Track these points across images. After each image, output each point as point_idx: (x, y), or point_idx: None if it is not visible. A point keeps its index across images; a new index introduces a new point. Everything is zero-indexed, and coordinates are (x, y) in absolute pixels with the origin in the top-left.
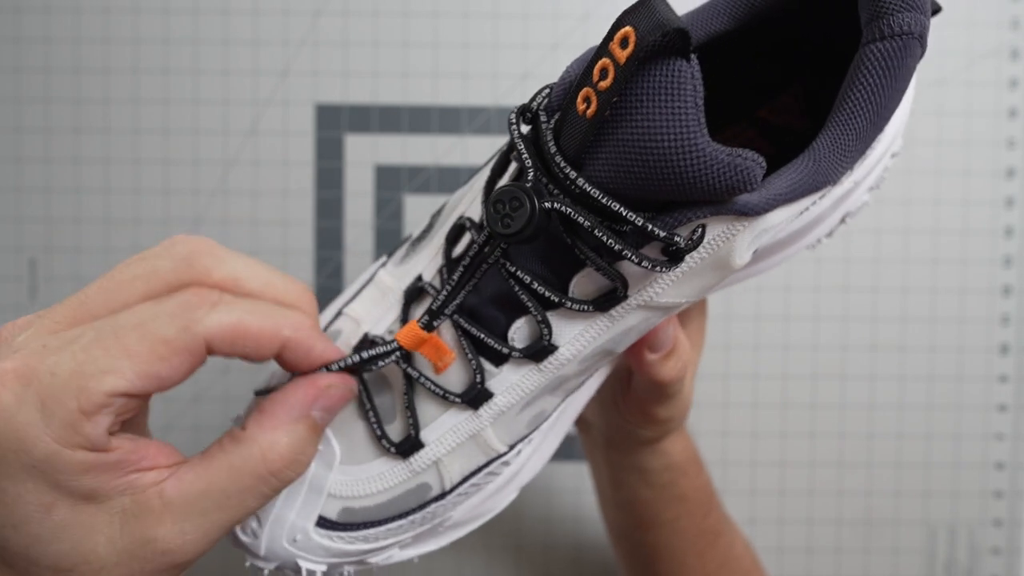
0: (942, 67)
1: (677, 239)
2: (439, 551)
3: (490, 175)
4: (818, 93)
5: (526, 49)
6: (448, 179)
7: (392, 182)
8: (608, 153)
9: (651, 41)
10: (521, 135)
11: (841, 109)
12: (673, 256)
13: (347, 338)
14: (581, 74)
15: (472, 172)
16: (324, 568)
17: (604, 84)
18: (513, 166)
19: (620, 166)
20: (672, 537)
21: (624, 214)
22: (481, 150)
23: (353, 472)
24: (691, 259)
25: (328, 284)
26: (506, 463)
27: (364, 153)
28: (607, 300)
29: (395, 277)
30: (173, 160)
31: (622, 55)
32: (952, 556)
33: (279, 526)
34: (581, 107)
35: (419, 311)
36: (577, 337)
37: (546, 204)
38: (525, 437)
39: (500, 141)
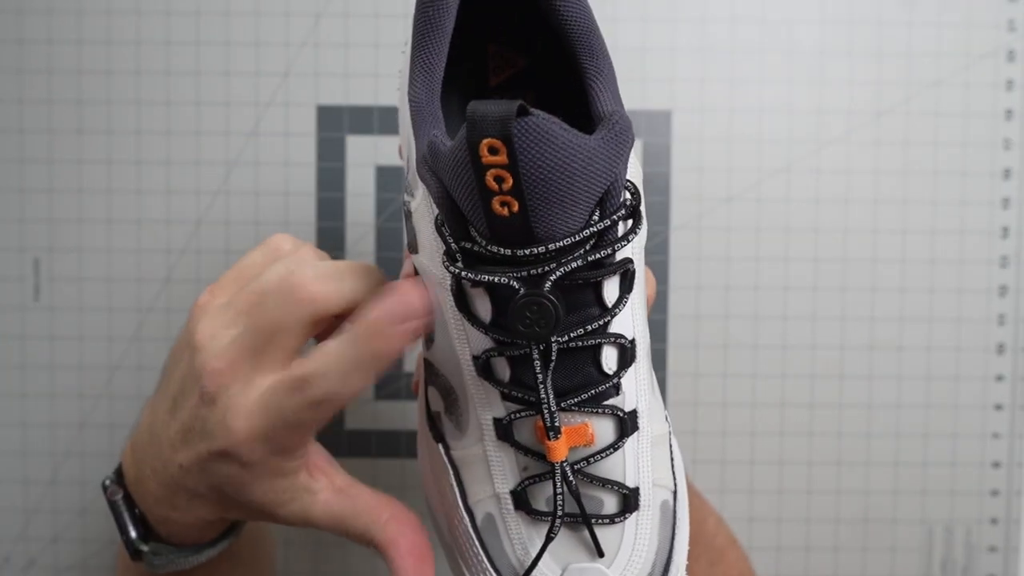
0: (939, 68)
1: (628, 203)
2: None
3: (467, 318)
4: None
5: None
6: None
7: (393, 183)
8: (548, 215)
9: (512, 134)
10: (473, 276)
11: (569, 36)
12: (634, 214)
13: (502, 512)
14: (449, 196)
15: None
16: None
17: (508, 185)
18: (479, 294)
19: (564, 213)
20: None
21: (593, 231)
22: None
23: (620, 563)
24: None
25: None
26: (672, 432)
27: (365, 154)
28: (627, 283)
29: (471, 443)
30: (175, 161)
31: (502, 158)
32: (949, 554)
33: None
34: (503, 212)
35: (524, 429)
36: (635, 317)
37: (547, 286)
38: (663, 407)
39: None
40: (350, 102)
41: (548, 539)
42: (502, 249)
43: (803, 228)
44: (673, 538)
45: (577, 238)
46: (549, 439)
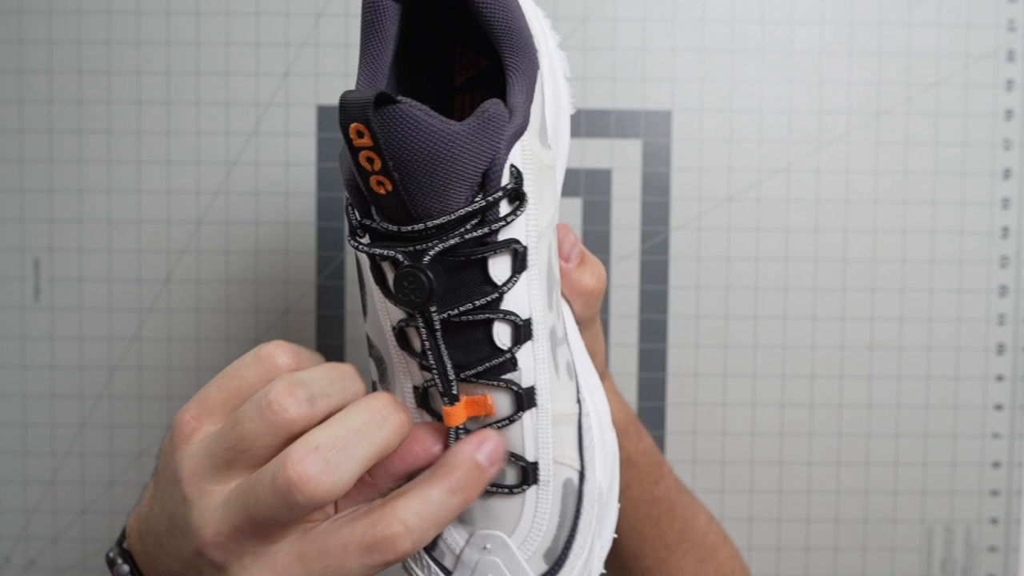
0: (939, 68)
1: (508, 185)
2: None
3: (381, 291)
4: (475, 35)
5: None
6: None
7: None
8: (420, 194)
9: (370, 118)
10: (367, 249)
11: (492, 34)
12: (518, 196)
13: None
14: (354, 179)
15: None
16: None
17: (378, 166)
18: (388, 273)
19: (436, 192)
20: (626, 507)
21: (469, 210)
22: None
23: (520, 533)
24: (528, 185)
25: (329, 284)
26: (587, 413)
27: None
28: (520, 260)
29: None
30: (175, 161)
31: (368, 141)
32: (949, 554)
33: None
34: (381, 190)
35: (438, 402)
36: (532, 297)
37: (425, 260)
38: (577, 387)
39: None
40: None
41: None
42: (389, 225)
43: (803, 228)
44: (577, 516)
45: (453, 216)
46: (444, 404)
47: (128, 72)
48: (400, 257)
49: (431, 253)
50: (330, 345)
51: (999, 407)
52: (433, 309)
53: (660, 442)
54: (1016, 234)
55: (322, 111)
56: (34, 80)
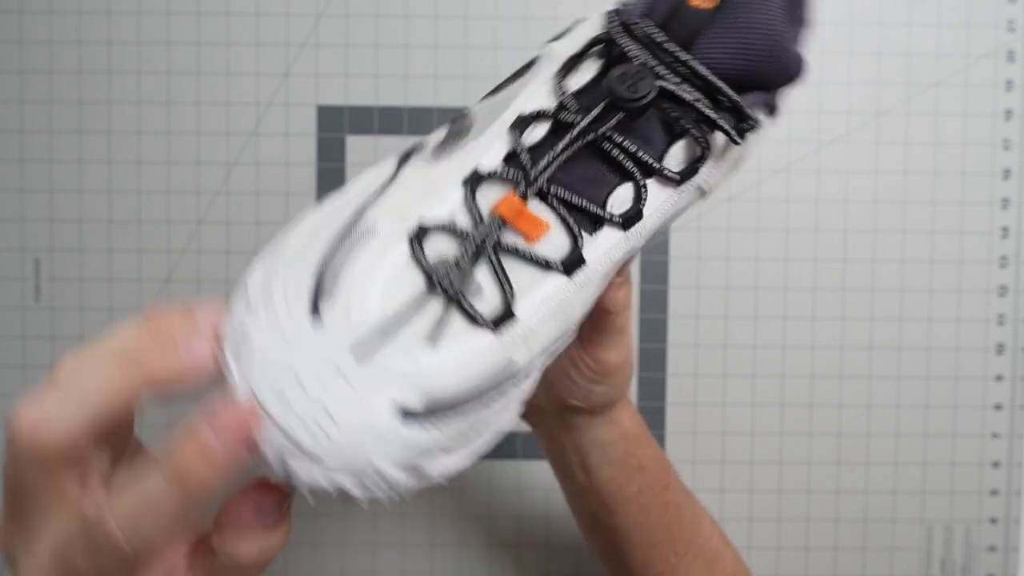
0: (939, 69)
1: (753, 120)
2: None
3: (561, 69)
4: None
5: (526, 50)
6: None
7: None
8: (718, 38)
9: None
10: (621, 32)
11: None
12: (742, 133)
13: (391, 229)
14: None
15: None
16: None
17: None
18: (590, 65)
19: (728, 49)
20: (639, 514)
21: (726, 90)
22: None
23: (440, 353)
24: (750, 142)
25: None
26: (571, 339)
27: (365, 154)
28: (690, 171)
29: (440, 170)
30: (175, 161)
31: None
32: (948, 554)
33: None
34: (701, 4)
35: (488, 196)
36: (659, 207)
37: (658, 82)
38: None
39: None
40: (350, 102)
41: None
42: (657, 33)
43: (803, 228)
44: (480, 398)
45: (712, 80)
46: (517, 193)
47: (128, 72)
48: (637, 58)
49: (664, 84)
50: None
51: (998, 407)
52: (614, 120)
53: (660, 442)
54: (1016, 234)
55: (322, 111)
56: (34, 80)
